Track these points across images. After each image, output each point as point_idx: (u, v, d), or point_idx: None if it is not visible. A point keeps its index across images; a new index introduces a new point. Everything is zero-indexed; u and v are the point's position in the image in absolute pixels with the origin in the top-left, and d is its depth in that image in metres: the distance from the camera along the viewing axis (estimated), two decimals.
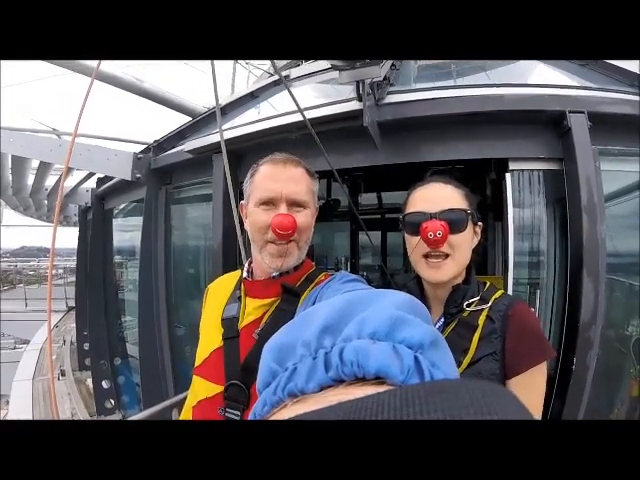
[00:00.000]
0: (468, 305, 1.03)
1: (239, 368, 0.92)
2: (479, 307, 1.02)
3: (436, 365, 0.26)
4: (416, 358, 0.25)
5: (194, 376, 1.02)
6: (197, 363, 1.02)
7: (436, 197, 1.03)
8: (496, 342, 0.97)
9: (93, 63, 2.95)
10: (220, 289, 1.09)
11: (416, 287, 1.13)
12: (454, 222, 1.00)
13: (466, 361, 0.97)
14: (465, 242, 1.03)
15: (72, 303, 7.90)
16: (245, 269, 1.06)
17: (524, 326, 0.98)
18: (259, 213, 0.95)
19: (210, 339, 1.00)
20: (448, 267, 1.01)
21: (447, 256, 1.01)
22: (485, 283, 1.10)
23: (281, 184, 0.94)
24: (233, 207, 1.46)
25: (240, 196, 1.49)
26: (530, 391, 0.95)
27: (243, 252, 1.48)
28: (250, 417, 0.29)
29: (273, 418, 0.25)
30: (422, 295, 1.13)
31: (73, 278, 8.09)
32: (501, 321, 0.98)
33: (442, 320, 1.05)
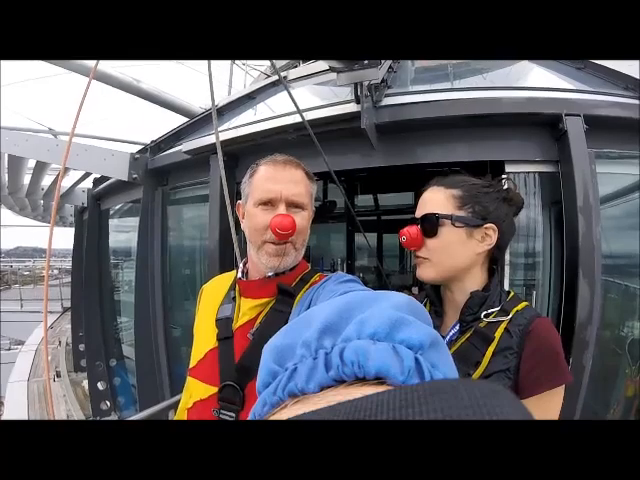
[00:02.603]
0: (487, 315, 0.97)
1: (234, 369, 0.91)
2: (498, 319, 0.96)
3: (436, 366, 0.26)
4: (416, 359, 0.25)
5: (188, 377, 1.02)
6: (191, 364, 1.01)
7: (422, 202, 1.06)
8: (511, 358, 0.92)
9: (90, 63, 2.94)
10: (215, 290, 1.09)
11: (432, 290, 1.11)
12: (425, 227, 1.02)
13: (476, 375, 0.92)
14: (444, 246, 1.00)
15: (67, 304, 7.87)
16: (240, 269, 1.06)
17: (542, 346, 0.92)
18: (258, 213, 0.95)
19: (204, 340, 1.00)
20: (426, 267, 1.03)
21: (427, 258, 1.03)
22: (509, 292, 1.05)
23: (281, 185, 0.94)
24: (229, 208, 1.46)
25: (237, 197, 1.49)
26: (540, 415, 0.89)
27: (238, 253, 1.47)
28: (250, 417, 0.29)
29: (273, 418, 0.25)
30: (439, 298, 1.10)
31: (69, 279, 8.05)
32: (519, 337, 0.92)
33: (457, 327, 1.01)
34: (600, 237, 1.72)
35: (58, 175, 2.73)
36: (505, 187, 1.09)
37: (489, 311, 0.98)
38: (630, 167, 1.94)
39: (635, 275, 1.98)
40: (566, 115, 1.74)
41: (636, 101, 1.90)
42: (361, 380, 0.24)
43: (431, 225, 1.00)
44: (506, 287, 1.86)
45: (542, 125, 1.86)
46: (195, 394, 0.98)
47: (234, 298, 1.01)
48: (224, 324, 0.98)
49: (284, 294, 0.95)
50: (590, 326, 1.67)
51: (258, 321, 0.95)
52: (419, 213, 1.04)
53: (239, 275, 1.05)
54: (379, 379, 0.24)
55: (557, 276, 1.93)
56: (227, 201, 1.47)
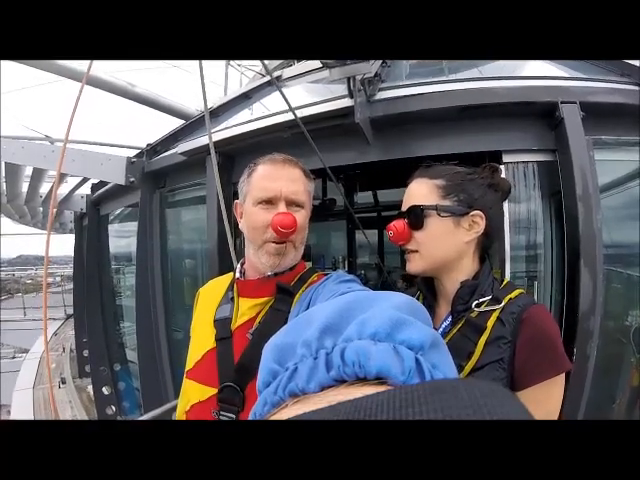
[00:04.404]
0: (478, 305, 0.94)
1: (233, 369, 0.91)
2: (490, 307, 0.93)
3: (437, 366, 0.26)
4: (417, 359, 0.25)
5: (186, 380, 1.01)
6: (189, 367, 1.00)
7: (406, 195, 1.05)
8: (505, 348, 0.88)
9: (84, 68, 2.94)
10: (212, 292, 1.08)
11: (423, 284, 1.09)
12: (411, 220, 1.01)
13: (469, 367, 0.89)
14: (432, 237, 0.99)
15: (70, 310, 7.89)
16: (237, 269, 1.06)
17: (537, 334, 0.88)
18: (258, 212, 0.95)
19: (202, 341, 0.99)
20: (415, 260, 1.02)
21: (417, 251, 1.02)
22: (502, 281, 1.02)
23: (280, 183, 0.94)
24: (223, 209, 1.45)
25: (234, 197, 1.48)
26: (540, 406, 0.86)
27: (233, 254, 1.47)
28: (250, 417, 0.29)
29: (273, 418, 0.25)
30: (431, 291, 1.08)
31: (71, 285, 8.08)
32: (513, 325, 0.89)
33: (449, 319, 0.98)
34: (601, 225, 1.72)
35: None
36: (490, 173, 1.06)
37: (480, 300, 0.95)
38: (629, 154, 1.93)
39: (638, 264, 1.97)
40: (562, 103, 1.73)
41: (633, 87, 1.89)
42: (362, 380, 0.24)
43: (417, 217, 1.00)
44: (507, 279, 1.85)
45: (538, 114, 1.85)
46: (193, 397, 0.97)
47: (232, 298, 1.00)
48: (222, 324, 0.97)
49: (283, 293, 0.95)
50: (593, 316, 1.66)
51: (257, 320, 0.95)
52: (404, 206, 1.03)
53: (237, 275, 1.05)
54: (380, 379, 0.24)
55: (559, 266, 1.92)
56: (222, 202, 1.47)
